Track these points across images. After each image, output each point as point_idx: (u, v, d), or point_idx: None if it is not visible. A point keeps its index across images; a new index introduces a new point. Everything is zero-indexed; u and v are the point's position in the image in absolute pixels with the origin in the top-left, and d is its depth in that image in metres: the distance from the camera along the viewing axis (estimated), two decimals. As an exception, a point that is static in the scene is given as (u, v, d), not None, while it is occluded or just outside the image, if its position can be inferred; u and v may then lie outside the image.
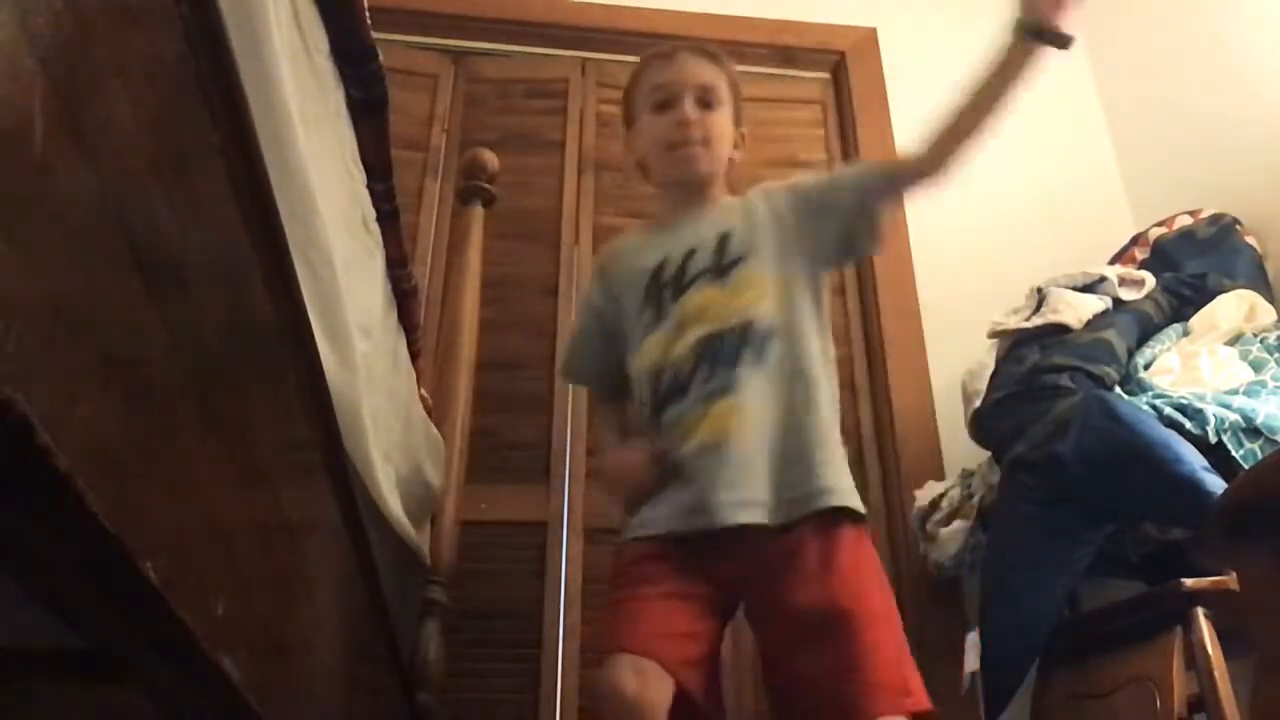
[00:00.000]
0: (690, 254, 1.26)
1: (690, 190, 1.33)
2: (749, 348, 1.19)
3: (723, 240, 1.26)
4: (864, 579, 1.13)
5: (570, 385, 2.06)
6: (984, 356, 1.87)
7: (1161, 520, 1.54)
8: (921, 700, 1.11)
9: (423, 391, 1.46)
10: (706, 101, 1.32)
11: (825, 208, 1.27)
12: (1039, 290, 1.84)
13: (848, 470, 1.19)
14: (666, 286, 1.26)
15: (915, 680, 1.12)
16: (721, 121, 1.33)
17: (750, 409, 1.16)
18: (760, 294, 1.22)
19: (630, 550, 1.18)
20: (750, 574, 1.14)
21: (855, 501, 1.16)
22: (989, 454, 1.79)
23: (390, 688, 1.25)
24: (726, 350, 1.19)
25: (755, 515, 1.12)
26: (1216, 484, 1.33)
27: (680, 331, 1.22)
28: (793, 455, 1.16)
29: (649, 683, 1.03)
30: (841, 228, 1.26)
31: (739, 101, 1.37)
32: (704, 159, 1.31)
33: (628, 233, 1.46)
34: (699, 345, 1.20)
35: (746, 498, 1.13)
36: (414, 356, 1.37)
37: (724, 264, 1.24)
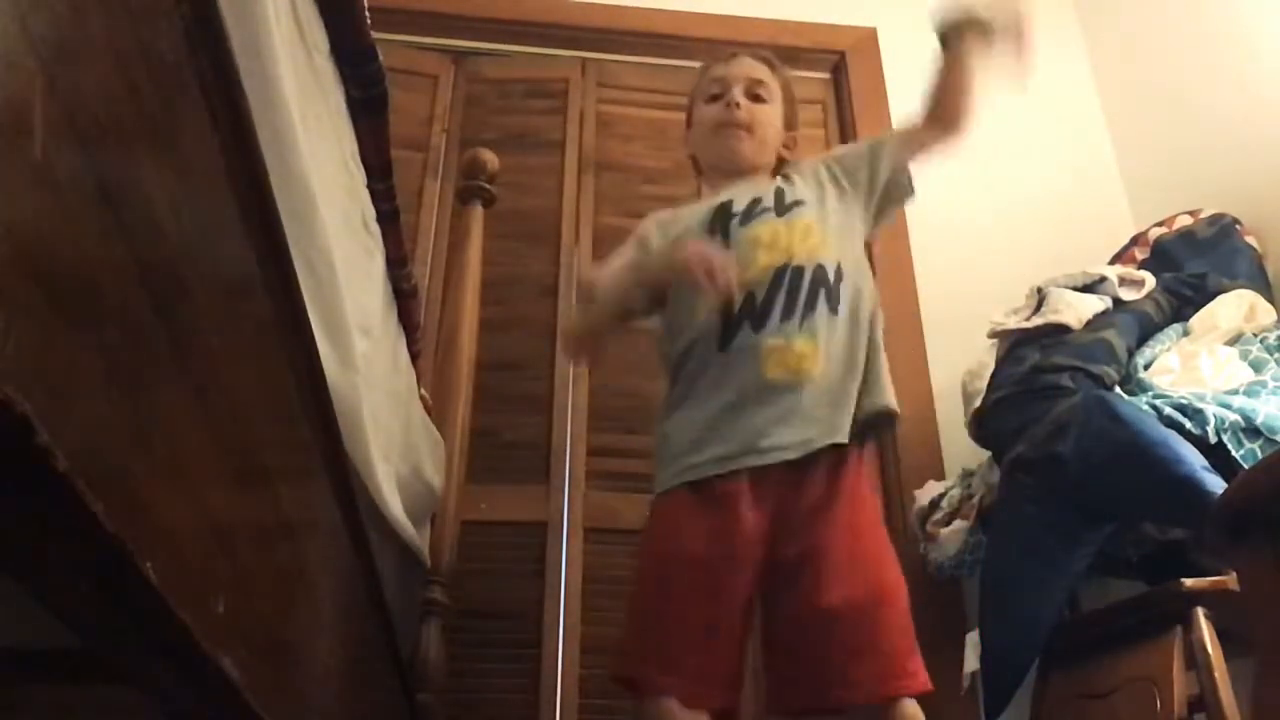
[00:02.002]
0: (754, 200, 1.32)
1: (736, 177, 1.37)
2: (825, 295, 1.24)
3: (780, 192, 1.33)
4: (882, 537, 1.22)
5: (572, 369, 2.07)
6: (984, 356, 1.87)
7: (1161, 520, 1.54)
8: (925, 681, 1.13)
9: (423, 391, 1.46)
10: (755, 94, 1.39)
11: (871, 171, 1.36)
12: (1039, 290, 1.84)
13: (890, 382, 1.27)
14: (733, 217, 1.30)
15: (918, 661, 1.15)
16: (769, 113, 1.40)
17: (825, 350, 1.21)
18: (824, 241, 1.29)
19: (672, 513, 1.18)
20: (783, 501, 1.17)
21: (893, 400, 1.25)
22: (989, 454, 1.79)
23: (390, 688, 1.25)
24: (805, 287, 1.23)
25: (817, 443, 1.18)
26: (1216, 484, 1.33)
27: (753, 258, 1.25)
28: (855, 390, 1.22)
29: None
30: (884, 187, 1.36)
31: (792, 106, 1.44)
32: (748, 143, 1.36)
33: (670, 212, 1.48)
34: (776, 274, 1.24)
35: (812, 434, 1.18)
36: (414, 356, 1.37)
37: (785, 205, 1.31)
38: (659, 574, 1.17)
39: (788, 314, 1.21)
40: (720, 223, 1.30)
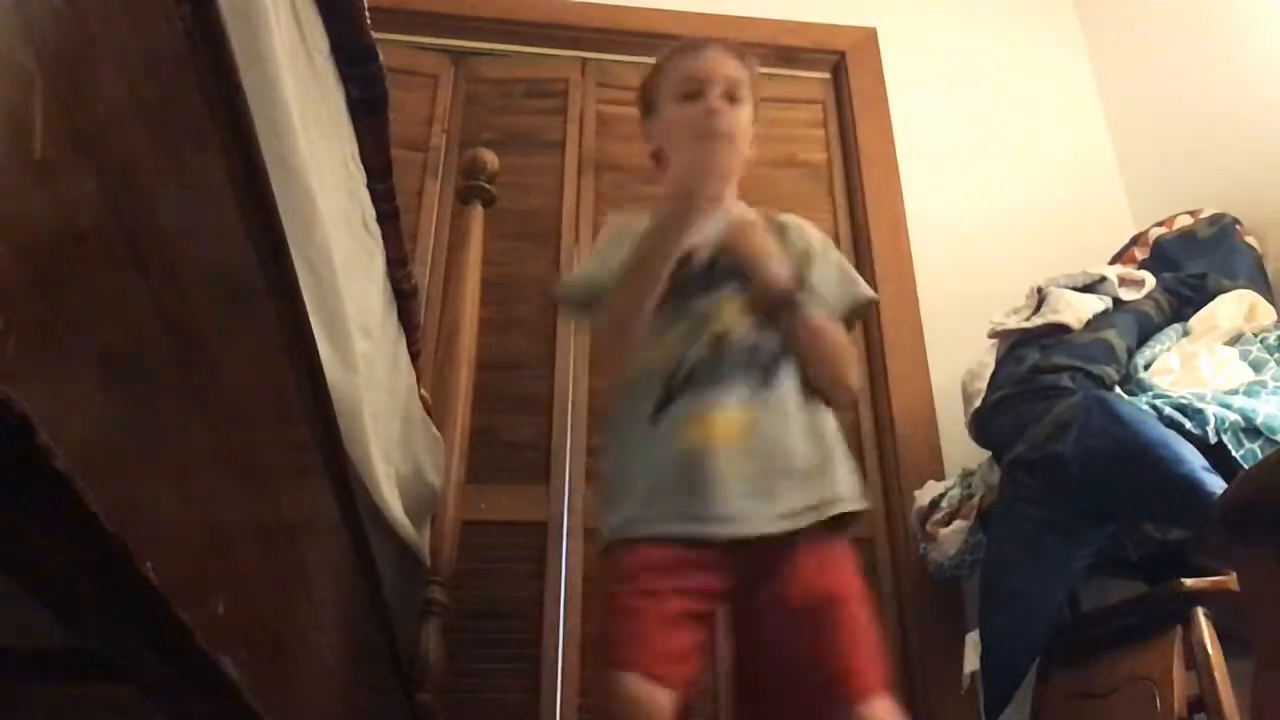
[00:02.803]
0: (717, 256, 1.27)
1: (710, 183, 1.32)
2: (760, 368, 1.20)
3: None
4: (849, 570, 1.16)
5: (572, 369, 2.06)
6: (984, 356, 1.87)
7: (1161, 520, 1.54)
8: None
9: (423, 391, 1.46)
10: (733, 96, 1.32)
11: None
12: (1039, 290, 1.84)
13: (855, 475, 1.21)
14: (689, 283, 1.26)
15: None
16: (746, 116, 1.34)
17: (767, 419, 1.18)
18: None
19: (628, 554, 1.15)
20: (745, 580, 1.14)
21: (860, 502, 1.19)
22: (989, 454, 1.79)
23: (390, 688, 1.25)
24: (749, 359, 1.20)
25: (766, 526, 1.13)
26: (1216, 484, 1.33)
27: (698, 332, 1.22)
28: (806, 466, 1.17)
29: (659, 695, 1.04)
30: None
31: (757, 103, 1.38)
32: (728, 153, 1.31)
33: (638, 215, 1.40)
34: (722, 347, 1.21)
35: (756, 510, 1.13)
36: (414, 356, 1.37)
37: (738, 275, 1.26)
38: (632, 606, 1.12)
39: (713, 385, 1.18)
40: (673, 283, 1.25)
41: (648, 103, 1.40)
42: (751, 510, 1.13)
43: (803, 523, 1.14)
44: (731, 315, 1.24)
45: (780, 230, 1.35)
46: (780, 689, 1.12)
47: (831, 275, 1.32)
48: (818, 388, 1.24)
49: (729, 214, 1.32)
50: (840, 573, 1.14)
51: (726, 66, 1.34)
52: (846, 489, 1.18)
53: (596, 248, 1.42)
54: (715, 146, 1.29)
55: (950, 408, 2.02)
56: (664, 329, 1.24)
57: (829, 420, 1.23)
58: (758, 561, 1.13)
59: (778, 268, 1.23)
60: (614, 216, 1.42)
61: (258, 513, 0.57)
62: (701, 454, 1.15)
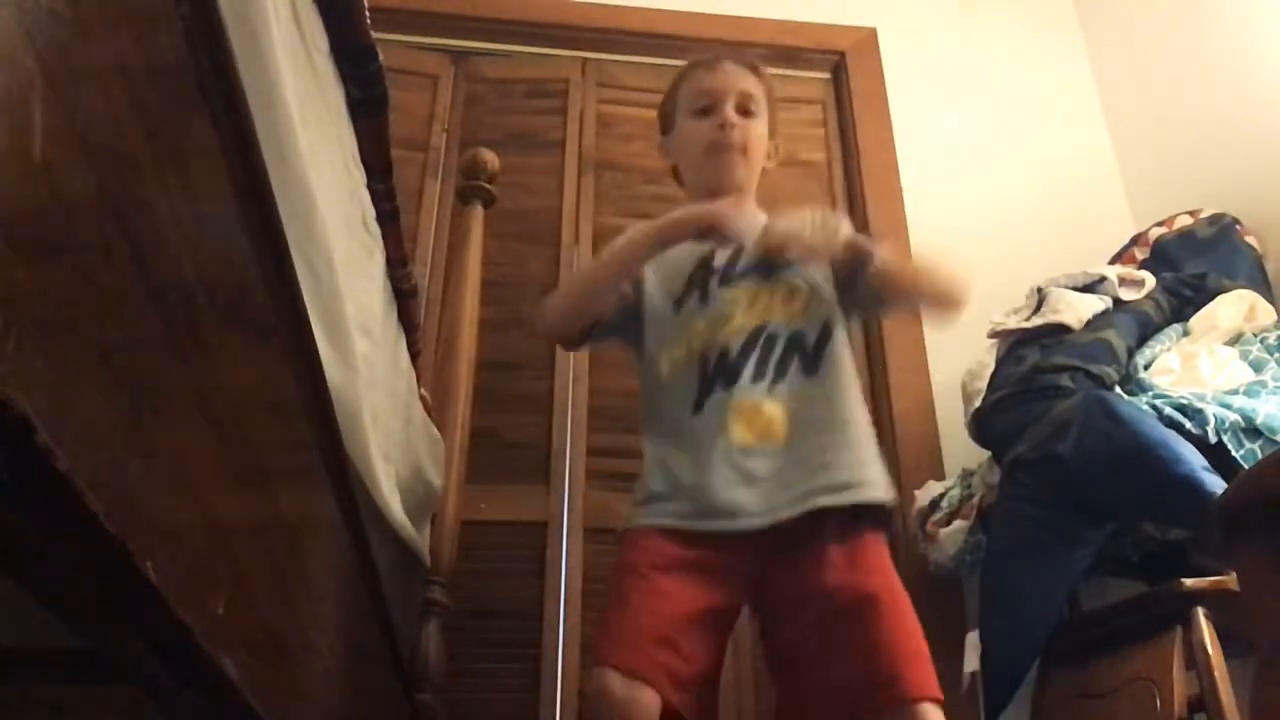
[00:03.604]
0: (739, 251, 1.27)
1: (723, 197, 1.32)
2: (799, 359, 1.20)
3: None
4: (887, 569, 1.15)
5: (572, 368, 2.07)
6: (984, 356, 1.87)
7: (1161, 520, 1.54)
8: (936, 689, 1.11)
9: (423, 391, 1.46)
10: (747, 109, 1.33)
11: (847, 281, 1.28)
12: (1039, 290, 1.84)
13: (882, 467, 1.21)
14: (714, 275, 1.27)
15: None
16: (760, 129, 1.34)
17: (798, 412, 1.17)
18: (806, 306, 1.24)
19: (643, 542, 1.14)
20: (768, 570, 1.13)
21: (888, 493, 1.18)
22: (989, 454, 1.79)
23: (390, 688, 1.25)
24: (779, 348, 1.20)
25: (787, 512, 1.12)
26: (1216, 484, 1.33)
27: (729, 317, 1.22)
28: (832, 457, 1.17)
29: (642, 694, 1.02)
30: (846, 285, 1.28)
31: (774, 113, 1.38)
32: (741, 166, 1.32)
33: None
34: (751, 335, 1.21)
35: (783, 499, 1.13)
36: (414, 356, 1.37)
37: (772, 266, 1.25)
38: (631, 599, 1.11)
39: (758, 376, 1.18)
40: (700, 281, 1.26)
41: (665, 119, 1.42)
42: (782, 499, 1.13)
43: (831, 502, 1.13)
44: (768, 306, 1.24)
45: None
46: (820, 691, 1.10)
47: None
48: (932, 310, 1.26)
49: (751, 219, 1.30)
50: (876, 572, 1.13)
51: (740, 80, 1.35)
52: (874, 477, 1.18)
53: None
54: (728, 160, 1.31)
55: (950, 408, 2.02)
56: (692, 321, 1.24)
57: (862, 413, 1.23)
58: (789, 553, 1.13)
59: (829, 235, 1.19)
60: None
61: (258, 513, 0.57)
62: (740, 444, 1.15)
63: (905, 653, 1.07)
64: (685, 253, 1.29)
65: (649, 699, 1.02)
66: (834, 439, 1.18)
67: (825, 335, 1.23)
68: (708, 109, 1.33)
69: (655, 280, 1.31)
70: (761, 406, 1.17)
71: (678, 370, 1.23)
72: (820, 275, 1.28)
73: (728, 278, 1.26)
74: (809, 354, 1.21)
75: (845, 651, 1.08)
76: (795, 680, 1.14)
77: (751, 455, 1.15)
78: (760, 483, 1.14)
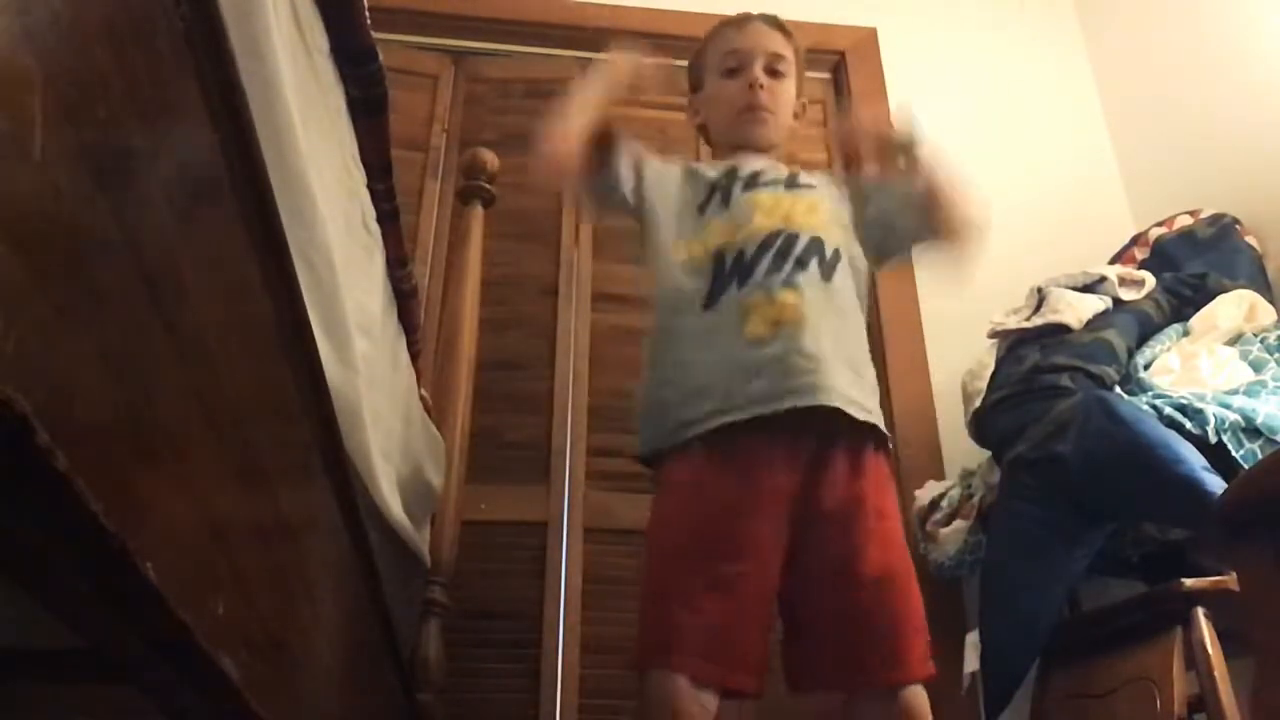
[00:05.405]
0: (763, 169, 1.30)
1: (751, 153, 1.35)
2: (818, 261, 1.21)
3: (794, 174, 1.32)
4: (899, 538, 1.18)
5: (572, 368, 2.07)
6: (984, 356, 1.87)
7: (1161, 520, 1.54)
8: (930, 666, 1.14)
9: (423, 391, 1.46)
10: (775, 70, 1.35)
11: (858, 206, 1.33)
12: (1039, 290, 1.84)
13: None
14: (738, 182, 1.28)
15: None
16: (788, 91, 1.36)
17: (814, 311, 1.17)
18: (826, 221, 1.26)
19: (681, 462, 1.12)
20: (812, 478, 1.13)
21: (878, 418, 1.21)
22: (989, 454, 1.79)
23: (390, 688, 1.25)
24: (796, 250, 1.20)
25: (840, 402, 1.13)
26: (1216, 484, 1.33)
27: (749, 218, 1.23)
28: (854, 367, 1.19)
29: (705, 701, 1.01)
30: (871, 226, 1.32)
31: (802, 74, 1.40)
32: (770, 124, 1.34)
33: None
34: (768, 236, 1.21)
35: (829, 384, 1.12)
36: (414, 356, 1.37)
37: (797, 183, 1.29)
38: (671, 540, 1.08)
39: (774, 270, 1.17)
40: (724, 186, 1.27)
41: (694, 78, 1.43)
42: (825, 383, 1.12)
43: (862, 415, 1.14)
44: (789, 213, 1.24)
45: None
46: (831, 641, 1.11)
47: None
48: (946, 230, 1.28)
49: (777, 166, 1.34)
50: (894, 537, 1.16)
51: (768, 40, 1.37)
52: (876, 406, 1.20)
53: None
54: (757, 120, 1.32)
55: (950, 408, 2.02)
56: (710, 222, 1.25)
57: (865, 350, 1.25)
58: (827, 452, 1.13)
59: (885, 124, 1.25)
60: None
61: (258, 513, 0.57)
62: (771, 330, 1.14)
63: (914, 630, 1.13)
64: (709, 168, 1.33)
65: (712, 705, 1.02)
66: (859, 352, 1.21)
67: (838, 256, 1.24)
68: (736, 69, 1.35)
69: (675, 187, 1.31)
70: (774, 296, 1.17)
71: (695, 267, 1.22)
72: (843, 201, 1.32)
73: (751, 184, 1.28)
74: (827, 261, 1.22)
75: (863, 614, 1.10)
76: (808, 620, 1.15)
77: (767, 344, 1.14)
78: (776, 365, 1.13)
